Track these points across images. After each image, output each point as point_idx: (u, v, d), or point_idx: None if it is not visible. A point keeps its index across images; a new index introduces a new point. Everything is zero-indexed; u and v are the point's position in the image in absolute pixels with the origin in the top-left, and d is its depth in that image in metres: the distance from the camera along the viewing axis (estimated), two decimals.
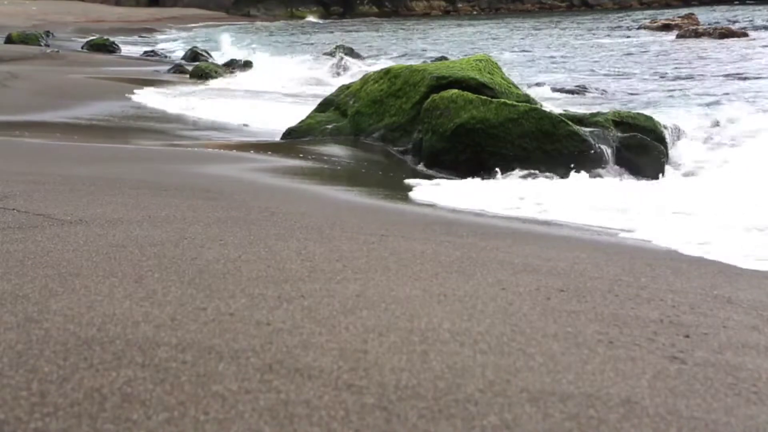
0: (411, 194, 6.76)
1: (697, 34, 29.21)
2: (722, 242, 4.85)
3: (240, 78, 19.75)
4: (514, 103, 8.91)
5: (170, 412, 2.04)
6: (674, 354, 2.66)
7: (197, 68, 20.34)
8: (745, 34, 28.59)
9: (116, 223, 4.29)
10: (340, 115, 10.06)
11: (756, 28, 33.98)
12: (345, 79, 16.22)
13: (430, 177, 7.95)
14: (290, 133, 9.99)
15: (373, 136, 9.50)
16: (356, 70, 19.66)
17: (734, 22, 37.96)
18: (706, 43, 27.75)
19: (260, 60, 24.22)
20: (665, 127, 8.88)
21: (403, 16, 69.74)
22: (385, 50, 32.06)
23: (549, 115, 8.69)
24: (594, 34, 37.76)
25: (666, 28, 33.72)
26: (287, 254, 3.73)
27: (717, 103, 14.30)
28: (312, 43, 37.33)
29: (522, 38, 37.22)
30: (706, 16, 44.45)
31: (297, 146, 9.10)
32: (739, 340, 2.88)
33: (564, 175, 7.91)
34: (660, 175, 8.30)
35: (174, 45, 36.82)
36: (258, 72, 21.13)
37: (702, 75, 19.56)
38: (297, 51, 31.79)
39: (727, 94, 15.96)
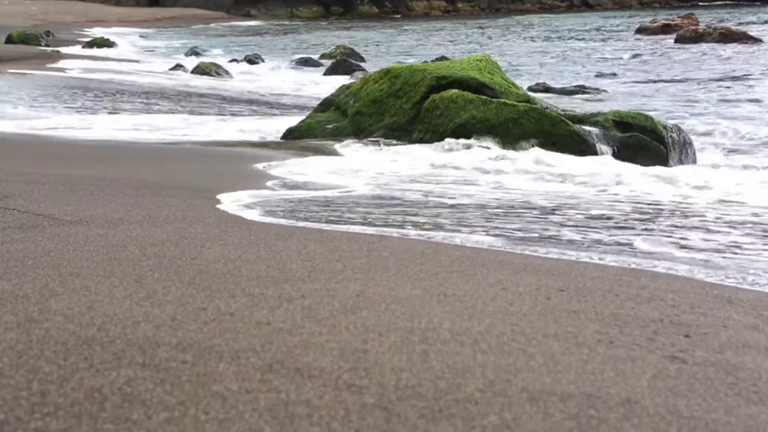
0: None
1: (697, 35, 29.19)
2: None
3: None
4: (515, 103, 8.91)
5: (170, 412, 2.04)
6: (674, 354, 2.66)
7: None
8: (746, 35, 28.56)
9: (116, 223, 4.30)
10: (341, 115, 10.06)
11: (755, 25, 33.96)
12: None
13: None
14: (290, 133, 10.00)
15: (374, 136, 9.50)
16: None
17: (744, 23, 37.93)
18: (706, 44, 27.72)
19: None
20: (665, 128, 8.88)
21: (403, 16, 69.70)
22: (383, 51, 32.04)
23: (549, 115, 8.69)
24: (594, 35, 37.75)
25: (666, 28, 33.70)
26: (287, 254, 3.73)
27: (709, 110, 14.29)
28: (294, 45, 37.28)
29: (521, 38, 37.21)
30: (706, 16, 44.43)
31: (297, 145, 9.10)
32: (739, 339, 2.88)
33: None
34: None
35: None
36: None
37: (699, 77, 19.54)
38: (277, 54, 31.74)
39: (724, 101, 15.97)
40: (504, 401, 2.19)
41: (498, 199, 6.29)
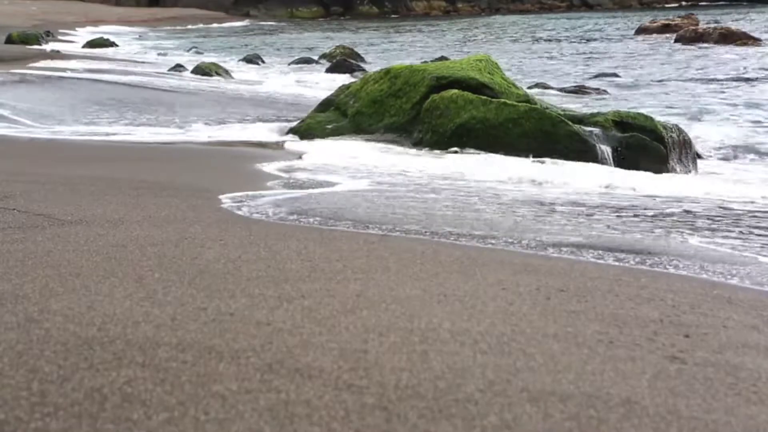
0: None
1: (697, 35, 29.19)
2: None
3: None
4: (515, 103, 8.91)
5: (170, 412, 2.04)
6: (674, 354, 2.66)
7: None
8: (747, 35, 28.56)
9: (116, 223, 4.30)
10: (341, 115, 10.06)
11: (755, 26, 33.97)
12: None
13: None
14: (291, 133, 10.00)
15: (374, 136, 9.50)
16: None
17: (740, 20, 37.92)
18: (706, 44, 27.72)
19: None
20: (665, 128, 8.88)
21: (403, 16, 69.69)
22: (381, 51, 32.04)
23: (549, 115, 8.69)
24: (594, 35, 37.75)
25: (666, 28, 33.70)
26: (287, 254, 3.73)
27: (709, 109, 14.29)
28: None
29: (521, 38, 37.21)
30: (705, 16, 44.43)
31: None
32: (739, 340, 2.88)
33: None
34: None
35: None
36: None
37: (699, 78, 19.54)
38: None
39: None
40: (504, 401, 2.20)
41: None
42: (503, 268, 3.75)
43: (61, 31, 42.13)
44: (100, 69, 19.55)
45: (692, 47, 27.07)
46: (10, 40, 29.11)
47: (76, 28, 46.76)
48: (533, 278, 3.55)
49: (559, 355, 2.57)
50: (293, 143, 9.42)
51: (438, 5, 74.17)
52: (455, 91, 9.09)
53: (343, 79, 18.22)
